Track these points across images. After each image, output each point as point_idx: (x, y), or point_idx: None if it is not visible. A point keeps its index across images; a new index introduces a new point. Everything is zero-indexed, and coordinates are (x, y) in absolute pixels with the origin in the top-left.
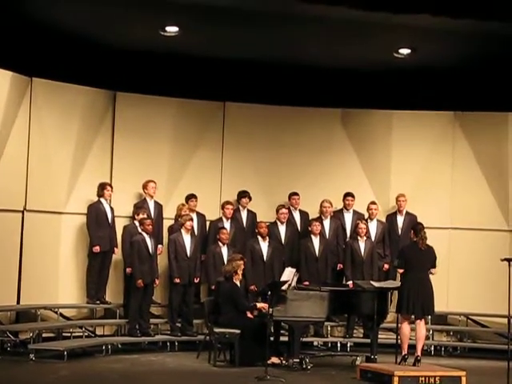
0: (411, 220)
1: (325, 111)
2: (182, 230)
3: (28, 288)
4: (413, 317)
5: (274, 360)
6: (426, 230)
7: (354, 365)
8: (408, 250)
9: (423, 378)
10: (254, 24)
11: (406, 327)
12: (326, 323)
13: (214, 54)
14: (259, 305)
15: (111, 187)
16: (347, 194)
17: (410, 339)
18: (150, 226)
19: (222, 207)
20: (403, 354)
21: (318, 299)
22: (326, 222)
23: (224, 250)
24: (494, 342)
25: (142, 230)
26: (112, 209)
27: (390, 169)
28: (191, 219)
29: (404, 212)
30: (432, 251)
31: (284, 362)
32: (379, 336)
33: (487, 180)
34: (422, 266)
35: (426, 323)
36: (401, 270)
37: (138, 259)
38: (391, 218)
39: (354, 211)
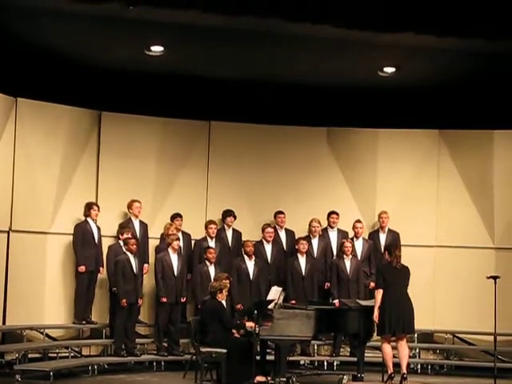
0: (394, 237)
1: (310, 130)
2: (169, 250)
3: (14, 308)
4: (393, 338)
5: (261, 379)
6: (411, 247)
7: (341, 383)
8: (384, 269)
9: None
10: (239, 43)
11: (387, 347)
12: (312, 342)
13: (199, 73)
14: (247, 324)
15: (98, 207)
16: (332, 212)
17: (394, 357)
18: (135, 246)
19: (206, 227)
20: (389, 372)
21: (305, 318)
22: (315, 241)
23: (211, 270)
24: (481, 359)
25: (127, 249)
26: (99, 228)
27: (376, 187)
28: (178, 239)
29: (386, 229)
30: (407, 269)
31: (270, 381)
32: (366, 354)
33: (472, 198)
34: (399, 284)
35: (412, 341)
36: (380, 291)
37: (122, 279)
38: (373, 235)
39: (339, 229)
